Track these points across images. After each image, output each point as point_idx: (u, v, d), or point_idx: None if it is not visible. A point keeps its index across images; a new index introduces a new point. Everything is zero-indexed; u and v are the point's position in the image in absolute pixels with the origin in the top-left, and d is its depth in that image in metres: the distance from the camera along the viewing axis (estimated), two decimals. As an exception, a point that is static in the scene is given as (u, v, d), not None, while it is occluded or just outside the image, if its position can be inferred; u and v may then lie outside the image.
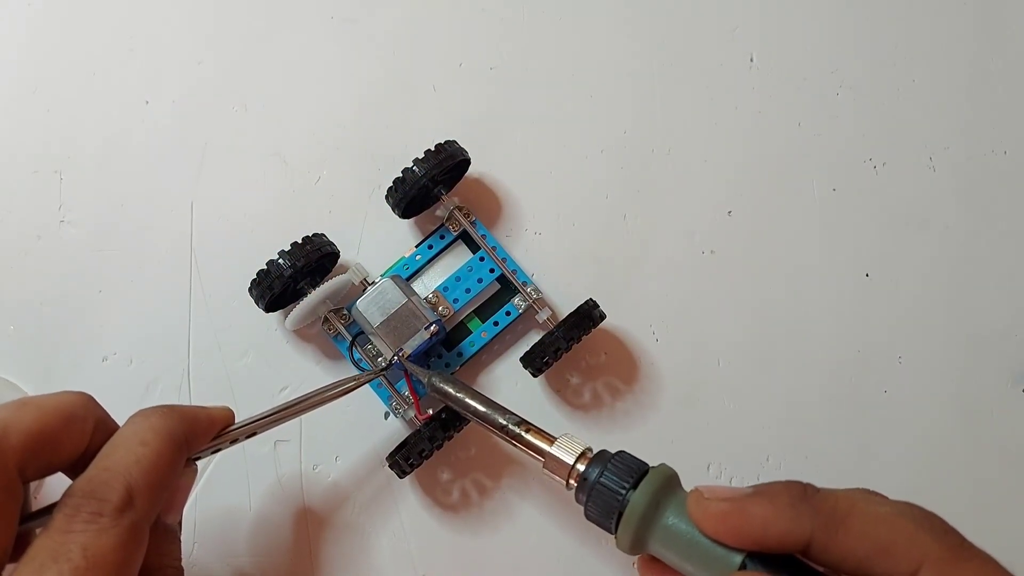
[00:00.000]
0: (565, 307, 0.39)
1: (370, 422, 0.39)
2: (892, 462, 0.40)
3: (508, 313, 0.39)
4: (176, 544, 0.29)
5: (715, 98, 0.44)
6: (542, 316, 0.39)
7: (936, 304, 0.42)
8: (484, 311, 0.40)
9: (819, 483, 0.27)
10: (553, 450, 0.31)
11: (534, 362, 0.37)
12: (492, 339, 0.40)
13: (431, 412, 0.37)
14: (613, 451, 0.30)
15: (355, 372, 0.39)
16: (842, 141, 0.44)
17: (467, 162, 0.40)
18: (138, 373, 0.39)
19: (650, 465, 0.29)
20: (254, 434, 0.32)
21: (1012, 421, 0.41)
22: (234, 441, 0.31)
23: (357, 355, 0.38)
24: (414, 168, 0.38)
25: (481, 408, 0.33)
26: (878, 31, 0.45)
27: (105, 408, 0.28)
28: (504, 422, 0.32)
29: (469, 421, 0.37)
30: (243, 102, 0.42)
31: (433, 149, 0.38)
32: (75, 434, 0.27)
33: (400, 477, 0.36)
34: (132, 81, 0.42)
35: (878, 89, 0.44)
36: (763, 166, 0.43)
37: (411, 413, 0.37)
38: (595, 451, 0.30)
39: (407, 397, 0.38)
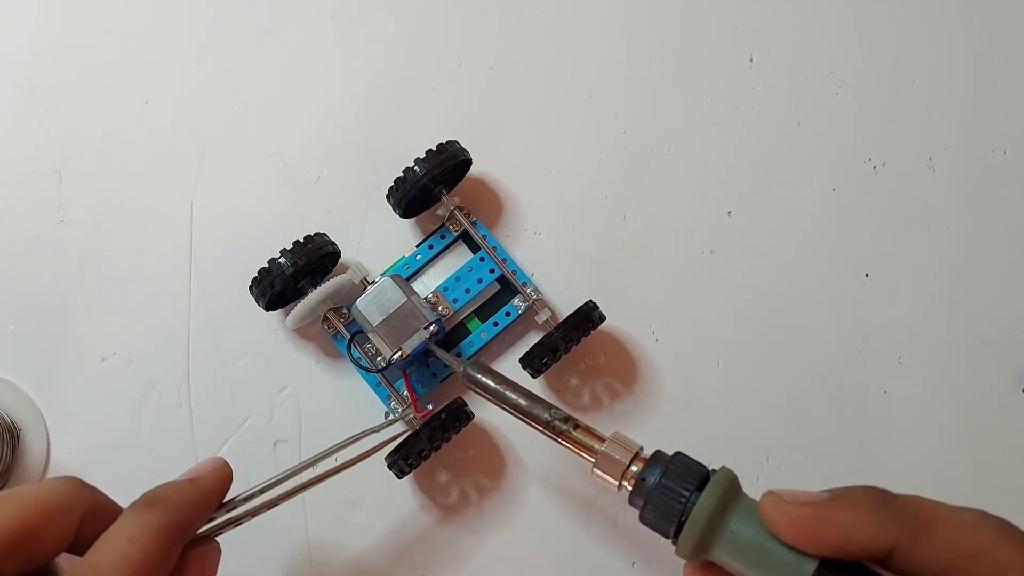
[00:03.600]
0: (565, 307, 0.39)
1: (370, 422, 0.39)
2: (892, 462, 0.40)
3: (508, 314, 0.39)
4: None
5: (715, 98, 0.44)
6: (542, 317, 0.39)
7: (936, 304, 0.42)
8: (484, 311, 0.40)
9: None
10: (605, 449, 0.29)
11: (533, 363, 0.37)
12: (491, 340, 0.40)
13: (430, 408, 0.36)
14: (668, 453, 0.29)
15: (355, 371, 0.39)
16: (842, 141, 0.44)
17: (468, 162, 0.40)
18: (138, 373, 0.39)
19: (709, 468, 0.28)
20: (274, 505, 0.30)
21: (1012, 421, 0.41)
22: (253, 514, 0.30)
23: (356, 354, 0.38)
24: (415, 168, 0.38)
25: (523, 402, 0.31)
26: (878, 31, 0.45)
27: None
28: (549, 418, 0.30)
29: (468, 422, 0.37)
30: (243, 102, 0.42)
31: (435, 149, 0.38)
32: (59, 528, 0.26)
33: (399, 477, 0.36)
34: (132, 81, 0.42)
35: (878, 89, 0.44)
36: (763, 166, 0.43)
37: (410, 413, 0.37)
38: (647, 452, 0.29)
39: (406, 397, 0.38)
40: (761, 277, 0.42)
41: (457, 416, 0.36)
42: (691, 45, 0.45)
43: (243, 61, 0.43)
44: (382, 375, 0.38)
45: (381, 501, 0.38)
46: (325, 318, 0.38)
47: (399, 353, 0.36)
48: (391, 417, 0.37)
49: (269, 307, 0.37)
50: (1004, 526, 0.25)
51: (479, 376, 0.32)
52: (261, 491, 0.30)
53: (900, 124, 0.44)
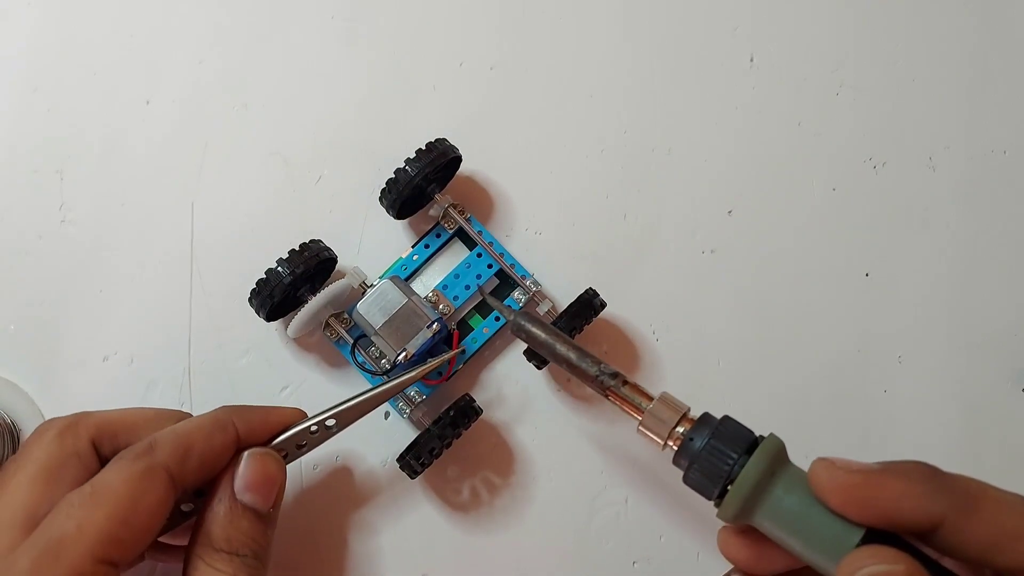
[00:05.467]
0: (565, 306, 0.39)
1: (370, 422, 0.39)
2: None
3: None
4: (259, 529, 0.31)
5: (715, 97, 0.44)
6: (543, 308, 0.39)
7: (936, 303, 0.42)
8: (485, 307, 0.40)
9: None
10: (653, 408, 0.29)
11: (538, 355, 0.37)
12: (495, 334, 0.40)
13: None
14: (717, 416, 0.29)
15: (358, 373, 0.39)
16: (842, 141, 0.44)
17: (458, 159, 0.40)
18: (138, 373, 0.39)
19: (756, 434, 0.28)
20: (328, 427, 0.34)
21: (1013, 421, 0.41)
22: (314, 431, 0.34)
23: (360, 358, 0.38)
24: (406, 168, 0.38)
25: (572, 355, 0.31)
26: (878, 31, 0.45)
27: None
28: (598, 372, 0.30)
29: (477, 418, 0.37)
30: (243, 102, 0.42)
31: (424, 148, 0.38)
32: (152, 429, 0.31)
33: (412, 477, 0.36)
34: (132, 80, 0.42)
35: (878, 89, 0.45)
36: (763, 166, 0.43)
37: (417, 413, 0.37)
38: (695, 414, 0.29)
39: (412, 397, 0.38)
40: (761, 276, 0.42)
41: (465, 412, 0.36)
42: (691, 44, 0.45)
43: (244, 61, 0.43)
44: (387, 377, 0.38)
45: (381, 500, 0.38)
46: (327, 324, 0.38)
47: (404, 354, 0.36)
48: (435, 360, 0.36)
49: (270, 317, 0.37)
50: None
51: (529, 327, 0.32)
52: (325, 414, 0.34)
53: (900, 124, 0.44)
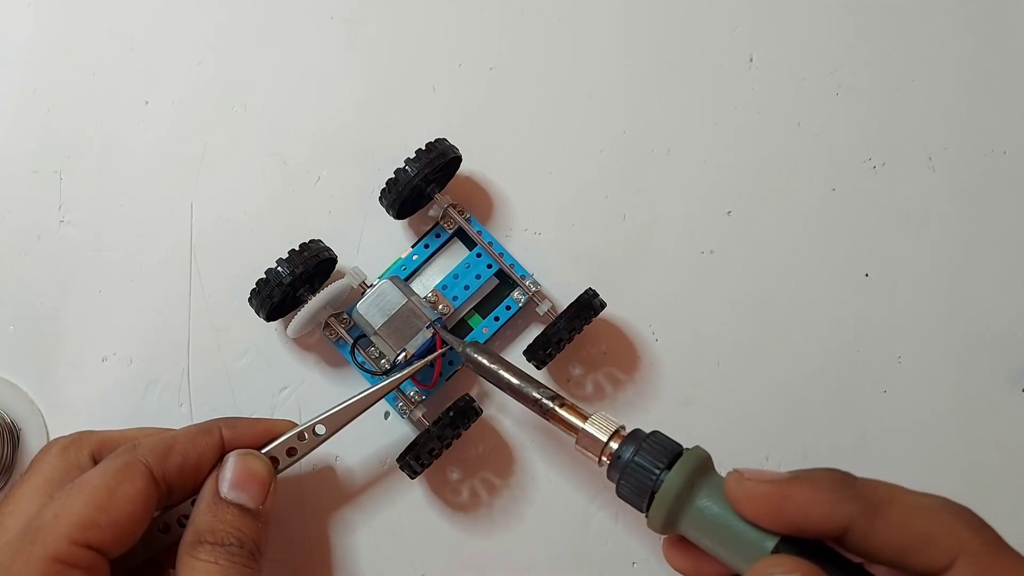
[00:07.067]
0: (565, 306, 0.39)
1: (370, 422, 0.39)
2: (891, 462, 0.40)
3: (508, 307, 0.40)
4: (245, 522, 0.32)
5: (715, 98, 0.44)
6: (542, 308, 0.39)
7: (935, 304, 0.42)
8: (484, 307, 0.40)
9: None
10: (587, 427, 0.31)
11: (537, 354, 0.37)
12: (494, 334, 0.40)
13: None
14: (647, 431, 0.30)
15: (354, 369, 0.39)
16: (841, 141, 0.44)
17: (458, 160, 0.40)
18: (138, 373, 0.39)
19: (684, 447, 0.29)
20: (318, 434, 0.35)
21: (1011, 421, 0.41)
22: (304, 438, 0.35)
23: (360, 358, 0.38)
24: (406, 168, 0.38)
25: (515, 381, 0.33)
26: (877, 31, 0.45)
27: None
28: (538, 396, 0.33)
29: (477, 418, 0.37)
30: (243, 102, 0.42)
31: (424, 148, 0.38)
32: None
33: (412, 478, 0.36)
34: (132, 81, 0.42)
35: (878, 89, 0.44)
36: (762, 166, 0.43)
37: (417, 414, 0.37)
38: (629, 430, 0.31)
39: (412, 397, 0.38)
40: (760, 277, 0.42)
41: (465, 413, 0.36)
42: (691, 45, 0.45)
43: (243, 61, 0.43)
44: (387, 377, 0.38)
45: (381, 500, 0.38)
46: (326, 324, 0.38)
47: (403, 354, 0.36)
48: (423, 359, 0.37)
49: (270, 317, 0.37)
50: (961, 511, 0.25)
51: (476, 356, 0.35)
52: (314, 420, 0.35)
53: (900, 124, 0.44)
